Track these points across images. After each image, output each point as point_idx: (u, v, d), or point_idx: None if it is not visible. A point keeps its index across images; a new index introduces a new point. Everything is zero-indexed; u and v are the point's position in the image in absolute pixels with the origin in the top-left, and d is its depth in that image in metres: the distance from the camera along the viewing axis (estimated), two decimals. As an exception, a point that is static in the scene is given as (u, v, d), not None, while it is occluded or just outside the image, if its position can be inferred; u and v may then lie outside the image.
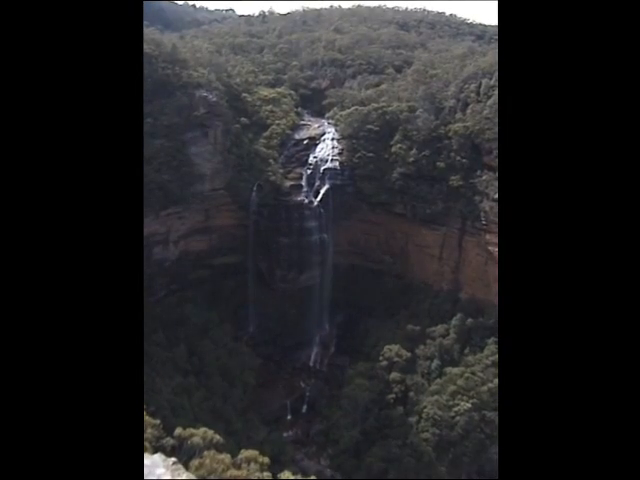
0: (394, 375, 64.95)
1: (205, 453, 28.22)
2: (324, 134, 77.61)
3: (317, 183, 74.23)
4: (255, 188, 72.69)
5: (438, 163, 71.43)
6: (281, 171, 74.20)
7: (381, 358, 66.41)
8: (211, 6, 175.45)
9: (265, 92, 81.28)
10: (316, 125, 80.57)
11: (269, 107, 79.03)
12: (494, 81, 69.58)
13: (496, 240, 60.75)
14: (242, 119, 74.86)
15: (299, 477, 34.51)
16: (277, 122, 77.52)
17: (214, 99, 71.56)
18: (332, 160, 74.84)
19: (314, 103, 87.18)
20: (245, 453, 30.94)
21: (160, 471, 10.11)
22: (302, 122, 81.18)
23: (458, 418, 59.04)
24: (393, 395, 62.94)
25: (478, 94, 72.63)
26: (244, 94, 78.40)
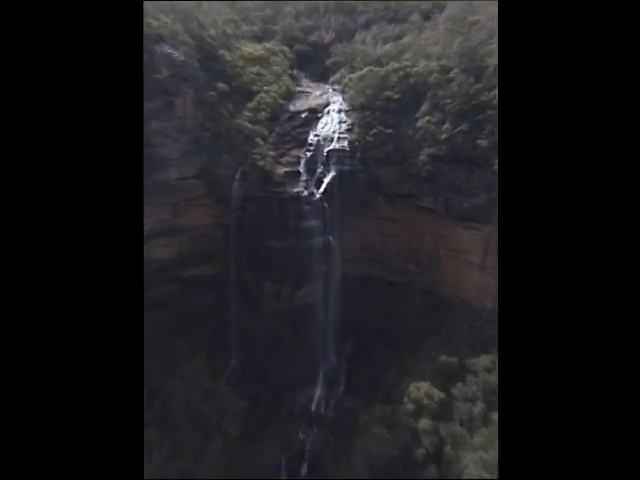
0: (424, 423, 62.97)
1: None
2: (328, 104, 76.10)
3: (319, 169, 72.65)
4: (238, 176, 71.46)
5: (479, 141, 68.86)
6: (272, 154, 72.87)
7: (405, 400, 64.88)
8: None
9: (249, 48, 79.38)
10: (317, 92, 79.04)
11: (255, 69, 77.19)
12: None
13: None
14: (219, 85, 72.84)
15: None
16: (266, 89, 75.94)
17: (181, 58, 69.03)
18: (339, 139, 73.10)
19: (315, 63, 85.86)
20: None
21: None
22: (299, 89, 79.76)
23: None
24: (423, 450, 60.97)
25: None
26: (221, 51, 76.07)
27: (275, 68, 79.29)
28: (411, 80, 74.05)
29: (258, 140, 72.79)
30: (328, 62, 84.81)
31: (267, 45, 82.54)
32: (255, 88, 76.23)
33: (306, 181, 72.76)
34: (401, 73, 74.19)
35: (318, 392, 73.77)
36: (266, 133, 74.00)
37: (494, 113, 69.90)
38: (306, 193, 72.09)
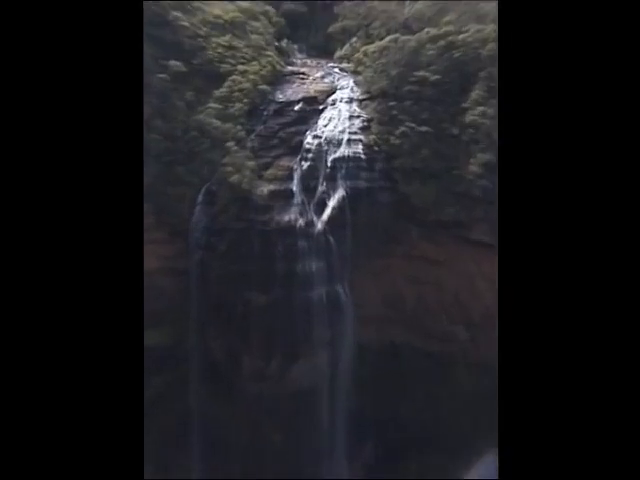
0: None
1: None
2: (334, 92, 67.42)
3: (321, 187, 63.22)
4: (201, 198, 62.45)
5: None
6: (251, 164, 62.92)
7: (458, 535, 60.36)
8: None
9: (217, 9, 70.82)
10: (318, 74, 70.14)
11: (225, 39, 68.32)
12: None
13: None
14: (172, 63, 64.10)
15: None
16: (242, 69, 66.76)
17: (116, 23, 58.74)
18: (350, 142, 63.85)
19: (313, 31, 78.33)
20: None
21: None
22: (290, 69, 71.05)
23: None
24: None
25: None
26: (175, 13, 67.27)
27: (255, 38, 69.96)
28: (456, 53, 65.38)
29: (230, 144, 63.15)
30: (333, 28, 76.30)
31: (243, 4, 73.58)
32: (225, 68, 66.91)
33: (302, 204, 63.30)
34: (441, 43, 64.63)
35: (324, 522, 66.91)
36: (242, 134, 64.48)
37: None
38: (302, 223, 62.63)
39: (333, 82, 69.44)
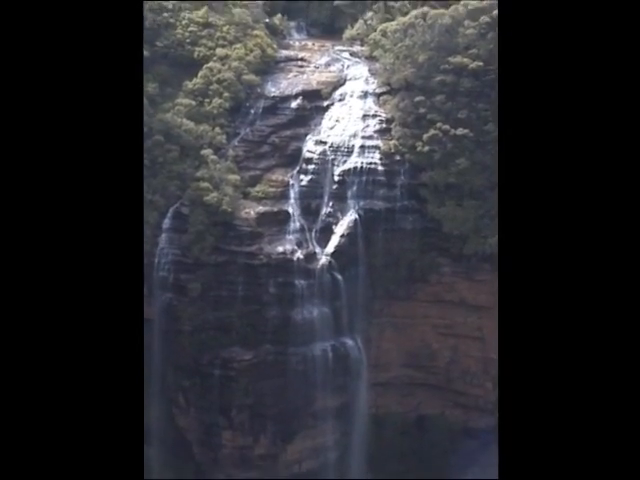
0: None
1: None
2: (342, 83, 67.82)
3: (326, 208, 64.45)
4: (168, 223, 63.77)
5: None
6: (234, 179, 62.51)
7: None
8: None
9: None
10: (322, 60, 70.89)
11: (200, 13, 67.92)
12: None
13: None
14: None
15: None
16: (221, 53, 66.62)
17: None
18: (364, 149, 63.93)
19: (315, 4, 77.75)
20: None
21: None
22: (286, 53, 71.01)
23: None
24: None
25: None
26: None
27: (239, 13, 68.85)
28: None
29: (206, 153, 62.87)
30: (341, 0, 74.47)
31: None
32: (200, 52, 66.34)
33: (300, 232, 64.65)
34: (484, 19, 63.30)
35: None
36: (222, 139, 64.07)
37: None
38: (300, 255, 63.66)
39: (342, 71, 67.68)
